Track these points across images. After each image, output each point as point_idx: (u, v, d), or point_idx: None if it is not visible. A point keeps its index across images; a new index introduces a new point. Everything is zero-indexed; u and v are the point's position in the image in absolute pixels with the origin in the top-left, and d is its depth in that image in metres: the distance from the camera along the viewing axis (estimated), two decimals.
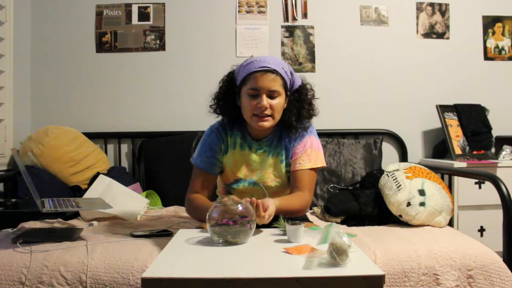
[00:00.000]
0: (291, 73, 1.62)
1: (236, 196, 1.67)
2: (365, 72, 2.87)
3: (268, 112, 1.57)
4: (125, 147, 2.82)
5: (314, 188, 1.72)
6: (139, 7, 2.82)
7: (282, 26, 2.86)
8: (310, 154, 1.67)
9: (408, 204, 1.87)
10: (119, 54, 2.81)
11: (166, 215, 2.21)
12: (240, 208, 1.31)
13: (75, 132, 2.55)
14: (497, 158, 2.58)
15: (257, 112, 1.57)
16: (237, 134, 1.70)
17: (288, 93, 1.64)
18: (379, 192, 2.03)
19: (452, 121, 2.72)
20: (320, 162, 1.69)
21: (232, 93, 1.65)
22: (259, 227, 1.42)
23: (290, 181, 1.70)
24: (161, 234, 1.72)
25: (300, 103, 1.65)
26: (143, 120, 2.81)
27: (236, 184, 1.69)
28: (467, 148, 2.68)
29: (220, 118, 1.74)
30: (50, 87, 2.80)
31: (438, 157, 2.82)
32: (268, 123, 1.59)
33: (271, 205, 1.43)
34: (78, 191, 2.41)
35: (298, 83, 1.67)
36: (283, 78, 1.58)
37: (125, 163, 2.81)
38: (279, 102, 1.58)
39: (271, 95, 1.56)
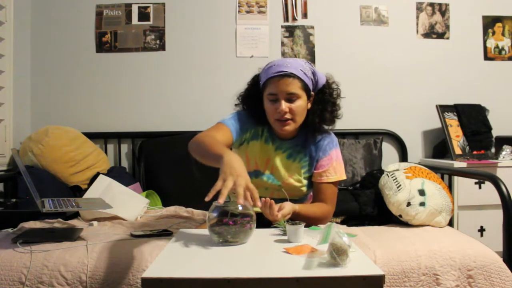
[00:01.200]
0: (313, 73, 1.61)
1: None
2: (365, 72, 2.87)
3: (288, 116, 1.57)
4: (125, 147, 2.82)
5: (336, 201, 1.71)
6: (139, 7, 2.82)
7: (282, 26, 2.86)
8: (336, 167, 1.68)
9: (408, 204, 1.87)
10: (119, 54, 2.81)
11: (166, 215, 2.21)
12: (240, 208, 1.31)
13: (75, 132, 2.55)
14: (497, 158, 2.58)
15: (277, 116, 1.57)
16: (265, 126, 1.69)
17: (312, 93, 1.63)
18: (379, 192, 2.03)
19: (452, 121, 2.72)
20: (344, 175, 1.71)
21: (258, 96, 1.65)
22: (259, 226, 1.42)
23: (313, 190, 1.71)
24: (161, 234, 1.72)
25: (323, 104, 1.64)
26: (143, 120, 2.81)
27: (254, 175, 1.68)
28: (467, 148, 2.68)
29: None
30: (50, 87, 2.80)
31: (438, 157, 2.82)
32: (289, 127, 1.59)
33: (288, 207, 1.46)
34: (78, 191, 2.41)
35: (322, 82, 1.65)
36: (302, 80, 1.57)
37: (125, 163, 2.81)
38: (299, 105, 1.57)
39: (290, 98, 1.56)
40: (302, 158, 1.69)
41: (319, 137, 1.68)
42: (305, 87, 1.58)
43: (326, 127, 1.68)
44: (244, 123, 1.65)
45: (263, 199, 1.41)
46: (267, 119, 1.65)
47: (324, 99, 1.65)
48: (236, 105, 1.72)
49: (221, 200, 1.17)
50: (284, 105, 1.55)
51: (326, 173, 1.67)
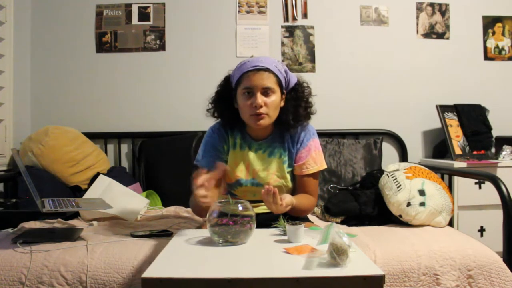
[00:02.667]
0: (285, 72, 1.63)
1: (239, 195, 1.67)
2: (365, 72, 2.87)
3: (263, 110, 1.57)
4: (125, 147, 2.82)
5: (318, 190, 1.75)
6: (139, 7, 2.82)
7: (282, 26, 2.86)
8: (315, 157, 1.68)
9: (408, 204, 1.87)
10: (119, 54, 2.81)
11: (166, 215, 2.21)
12: (240, 208, 1.31)
13: (75, 132, 2.55)
14: (497, 158, 2.58)
15: (252, 112, 1.57)
16: (237, 134, 1.71)
17: (284, 91, 1.64)
18: (379, 192, 2.03)
19: (452, 121, 2.72)
20: (324, 164, 1.71)
21: (229, 96, 1.66)
22: (259, 226, 1.42)
23: (296, 183, 1.71)
24: (161, 234, 1.72)
25: (296, 101, 1.66)
26: (143, 120, 2.81)
27: (238, 184, 1.69)
28: (467, 148, 2.68)
29: (218, 120, 1.75)
30: (50, 87, 2.80)
31: (438, 157, 2.82)
32: (264, 121, 1.59)
33: (288, 197, 1.48)
34: (78, 191, 2.41)
35: (293, 81, 1.67)
36: (276, 76, 1.59)
37: (125, 163, 2.81)
38: (274, 99, 1.58)
39: (266, 92, 1.57)
40: (282, 153, 1.69)
41: (295, 130, 1.68)
42: (279, 83, 1.60)
43: (302, 122, 1.69)
44: (216, 149, 1.68)
45: (266, 186, 1.40)
46: (238, 123, 1.66)
47: (297, 96, 1.66)
48: (207, 110, 1.72)
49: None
50: (260, 99, 1.55)
51: (306, 164, 1.67)
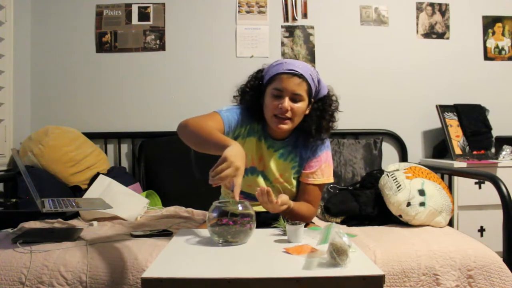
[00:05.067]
0: (318, 81, 1.62)
1: (244, 184, 1.63)
2: (365, 72, 2.87)
3: (288, 114, 1.56)
4: (125, 147, 2.82)
5: (319, 203, 1.74)
6: (139, 7, 2.82)
7: (282, 26, 2.86)
8: (324, 169, 1.68)
9: (408, 204, 1.87)
10: (119, 54, 2.81)
11: (166, 215, 2.21)
12: (240, 208, 1.31)
13: (75, 132, 2.55)
14: (497, 158, 2.58)
15: (277, 112, 1.57)
16: (259, 125, 1.69)
17: (312, 100, 1.64)
18: (379, 192, 2.03)
19: (452, 121, 2.72)
20: (331, 178, 1.71)
21: (258, 89, 1.65)
22: (261, 225, 1.42)
23: (299, 190, 1.71)
24: (161, 234, 1.72)
25: (322, 112, 1.65)
26: (143, 120, 2.81)
27: (250, 171, 1.67)
28: (467, 148, 2.68)
29: None
30: (50, 87, 2.80)
31: (438, 157, 2.82)
32: (287, 126, 1.58)
33: (285, 196, 1.47)
34: (78, 191, 2.41)
35: (324, 92, 1.66)
36: (308, 84, 1.58)
37: (125, 163, 2.81)
38: (301, 106, 1.58)
39: (294, 98, 1.56)
40: (293, 158, 1.69)
41: (311, 139, 1.68)
42: (309, 92, 1.59)
43: (321, 136, 1.68)
44: (240, 118, 1.64)
45: (260, 187, 1.41)
46: (262, 116, 1.65)
47: (324, 108, 1.66)
48: (234, 96, 1.71)
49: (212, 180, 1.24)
50: (288, 103, 1.55)
51: (313, 174, 1.67)
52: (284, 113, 1.56)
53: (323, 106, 1.66)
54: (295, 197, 1.70)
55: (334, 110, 1.69)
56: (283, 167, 1.68)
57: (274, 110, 1.57)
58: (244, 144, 1.67)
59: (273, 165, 1.68)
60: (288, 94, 1.55)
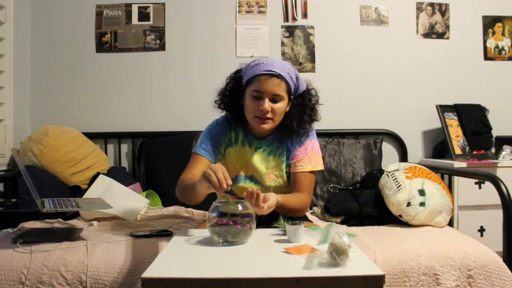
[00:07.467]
0: (296, 78, 1.63)
1: (236, 192, 1.68)
2: (365, 72, 2.88)
3: (269, 115, 1.58)
4: (125, 147, 2.82)
5: (313, 190, 1.74)
6: (139, 7, 2.82)
7: (282, 26, 2.86)
8: (311, 157, 1.68)
9: (408, 204, 1.87)
10: (119, 54, 2.81)
11: (166, 215, 2.21)
12: (240, 208, 1.31)
13: (75, 132, 2.55)
14: (497, 158, 2.58)
15: (258, 114, 1.58)
16: (240, 130, 1.72)
17: (292, 97, 1.64)
18: (379, 192, 2.03)
19: (452, 121, 2.72)
20: (320, 165, 1.71)
21: (238, 91, 1.66)
22: (261, 224, 1.42)
23: (290, 182, 1.71)
24: (161, 234, 1.72)
25: (302, 108, 1.66)
26: (143, 120, 2.81)
27: (236, 180, 1.69)
28: (467, 148, 2.68)
29: (224, 114, 1.75)
30: (50, 87, 2.80)
31: (438, 157, 2.82)
32: (268, 125, 1.60)
33: (273, 198, 1.44)
34: (78, 191, 2.41)
35: (303, 88, 1.67)
36: (287, 83, 1.59)
37: (125, 163, 2.81)
38: (281, 106, 1.59)
39: (274, 99, 1.57)
40: (281, 153, 1.70)
41: (294, 134, 1.69)
42: (288, 90, 1.61)
43: (305, 129, 1.69)
44: (216, 139, 1.68)
45: (249, 189, 1.40)
46: (242, 119, 1.67)
47: (304, 103, 1.67)
48: (215, 101, 1.73)
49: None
50: (268, 104, 1.56)
51: (300, 162, 1.67)
52: (264, 114, 1.57)
53: (303, 101, 1.67)
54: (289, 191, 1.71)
55: (314, 104, 1.70)
56: (274, 164, 1.69)
57: (255, 111, 1.58)
58: (224, 158, 1.70)
59: (262, 165, 1.69)
60: (267, 95, 1.56)
